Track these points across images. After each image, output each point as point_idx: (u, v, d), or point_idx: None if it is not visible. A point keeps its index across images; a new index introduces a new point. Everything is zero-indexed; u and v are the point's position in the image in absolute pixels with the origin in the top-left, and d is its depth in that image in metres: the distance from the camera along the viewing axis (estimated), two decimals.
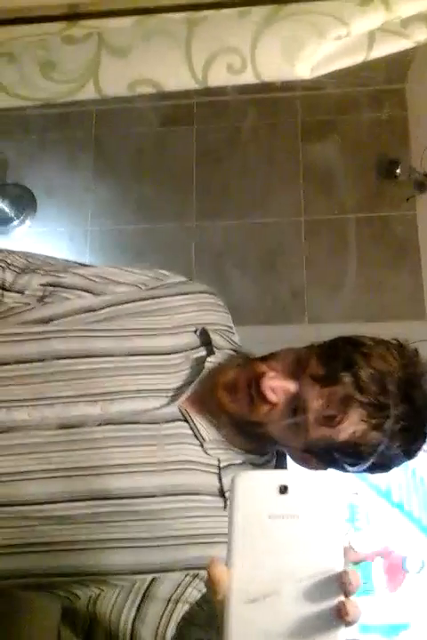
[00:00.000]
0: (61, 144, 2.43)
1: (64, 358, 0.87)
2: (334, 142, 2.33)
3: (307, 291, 2.21)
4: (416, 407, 0.80)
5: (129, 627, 0.80)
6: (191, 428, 0.86)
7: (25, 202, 2.39)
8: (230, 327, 1.02)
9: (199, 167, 2.38)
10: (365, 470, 0.85)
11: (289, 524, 0.50)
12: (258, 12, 0.70)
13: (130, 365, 0.87)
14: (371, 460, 0.81)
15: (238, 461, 0.88)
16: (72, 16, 0.62)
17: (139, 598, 0.81)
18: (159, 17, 0.70)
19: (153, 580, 0.82)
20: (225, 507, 0.84)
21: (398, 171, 2.26)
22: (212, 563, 0.49)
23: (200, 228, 2.32)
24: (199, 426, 0.86)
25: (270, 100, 2.32)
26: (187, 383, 0.88)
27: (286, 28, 0.71)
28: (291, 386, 0.81)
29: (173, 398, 0.86)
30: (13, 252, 1.00)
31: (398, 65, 2.28)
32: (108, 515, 0.81)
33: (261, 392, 0.80)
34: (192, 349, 0.92)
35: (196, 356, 0.91)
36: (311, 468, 0.85)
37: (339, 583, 0.48)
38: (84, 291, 0.94)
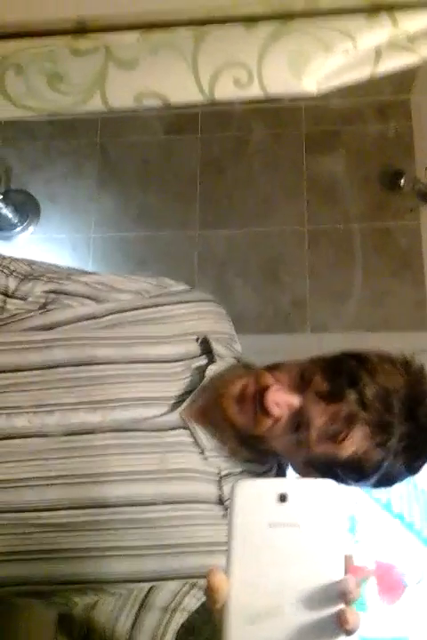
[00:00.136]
0: (66, 152, 2.44)
1: (65, 366, 0.87)
2: (339, 153, 2.33)
3: (309, 300, 2.20)
4: (421, 425, 0.79)
5: (126, 635, 0.79)
6: (192, 437, 0.86)
7: (28, 208, 2.39)
8: (232, 336, 1.02)
9: (203, 176, 2.38)
10: (367, 485, 0.85)
11: (289, 533, 0.49)
12: (265, 26, 0.70)
13: (131, 373, 0.87)
14: (374, 477, 0.81)
15: (239, 470, 0.88)
16: (80, 31, 0.62)
17: (136, 607, 0.80)
18: (166, 30, 0.71)
19: (151, 588, 0.81)
20: (225, 516, 0.84)
21: (402, 182, 2.26)
22: (211, 571, 0.49)
23: (203, 237, 2.32)
24: (200, 434, 0.86)
25: (275, 111, 2.32)
26: (188, 391, 0.88)
27: (293, 42, 0.71)
28: (295, 400, 0.81)
29: (174, 406, 0.86)
30: (17, 259, 1.00)
31: (403, 76, 2.28)
32: (108, 522, 0.81)
33: (265, 406, 0.80)
34: (193, 358, 0.92)
35: (197, 364, 0.91)
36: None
37: (339, 592, 0.48)
38: (87, 298, 0.94)
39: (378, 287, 2.21)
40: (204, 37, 0.72)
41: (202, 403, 0.87)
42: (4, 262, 0.98)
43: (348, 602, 0.48)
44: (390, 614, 1.61)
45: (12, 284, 0.95)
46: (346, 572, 0.49)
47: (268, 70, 0.72)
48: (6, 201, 2.32)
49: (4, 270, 0.97)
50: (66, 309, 0.92)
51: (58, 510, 0.81)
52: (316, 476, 0.84)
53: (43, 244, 2.37)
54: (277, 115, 2.34)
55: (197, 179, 2.38)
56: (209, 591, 0.49)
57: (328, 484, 0.51)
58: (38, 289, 0.94)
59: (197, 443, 0.86)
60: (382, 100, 2.34)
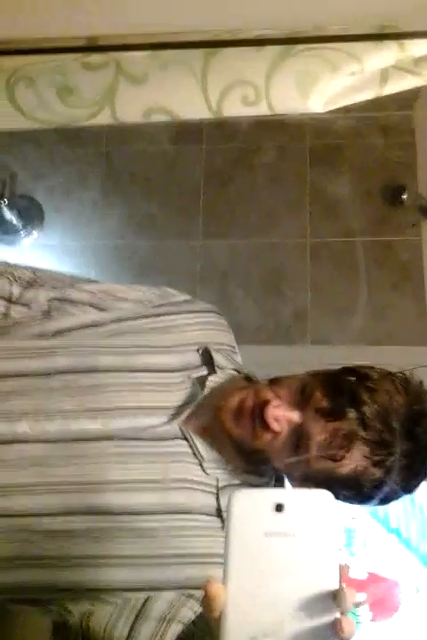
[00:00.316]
0: (71, 159, 2.44)
1: (67, 373, 0.87)
2: (342, 167, 2.34)
3: (310, 313, 2.21)
4: (419, 445, 0.80)
5: None
6: (190, 447, 0.86)
7: (32, 214, 2.39)
8: (233, 347, 1.02)
9: (207, 187, 2.39)
10: (363, 503, 0.85)
11: (285, 542, 0.50)
12: (274, 46, 0.71)
13: (132, 382, 0.88)
14: (371, 495, 0.82)
15: (237, 482, 0.88)
16: (91, 48, 0.63)
17: (132, 617, 0.80)
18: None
19: (148, 598, 0.81)
20: (222, 527, 0.84)
21: (404, 196, 2.26)
22: (208, 580, 0.49)
23: (206, 248, 2.32)
24: (199, 445, 0.86)
25: (279, 124, 2.32)
26: (188, 402, 0.88)
27: (301, 62, 0.72)
28: (295, 416, 0.81)
29: (174, 416, 0.87)
30: (21, 266, 1.01)
31: (407, 92, 2.28)
32: (105, 531, 0.81)
33: (265, 421, 0.80)
34: (194, 368, 0.92)
35: (197, 375, 0.91)
36: None
37: (334, 600, 0.48)
38: (90, 306, 0.94)
39: (379, 301, 2.21)
40: (214, 55, 0.73)
41: (201, 414, 0.87)
42: (9, 269, 0.99)
43: (343, 610, 0.48)
44: (385, 629, 1.60)
45: (15, 290, 0.96)
46: (341, 582, 0.49)
47: (275, 89, 0.73)
48: (10, 206, 2.33)
49: (9, 277, 0.97)
50: (69, 317, 0.93)
51: (55, 516, 0.81)
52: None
53: (46, 250, 2.37)
54: (281, 128, 2.35)
55: (200, 189, 2.39)
56: (206, 600, 0.49)
57: (324, 494, 0.51)
58: (42, 296, 0.95)
59: (195, 453, 0.86)
60: (385, 115, 2.35)
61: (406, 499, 0.85)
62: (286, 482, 0.91)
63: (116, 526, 0.81)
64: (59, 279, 0.99)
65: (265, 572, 0.49)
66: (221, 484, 0.86)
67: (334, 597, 0.48)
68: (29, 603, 0.87)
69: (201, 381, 0.90)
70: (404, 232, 2.28)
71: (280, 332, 2.21)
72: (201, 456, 0.86)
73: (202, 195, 2.38)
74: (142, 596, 0.81)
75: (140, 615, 0.80)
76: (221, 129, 2.40)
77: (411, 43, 0.69)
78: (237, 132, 2.39)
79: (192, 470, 0.85)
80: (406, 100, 2.34)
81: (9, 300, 0.95)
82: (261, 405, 0.82)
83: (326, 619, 0.48)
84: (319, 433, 0.79)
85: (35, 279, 0.98)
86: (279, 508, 0.50)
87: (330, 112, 0.77)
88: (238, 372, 0.95)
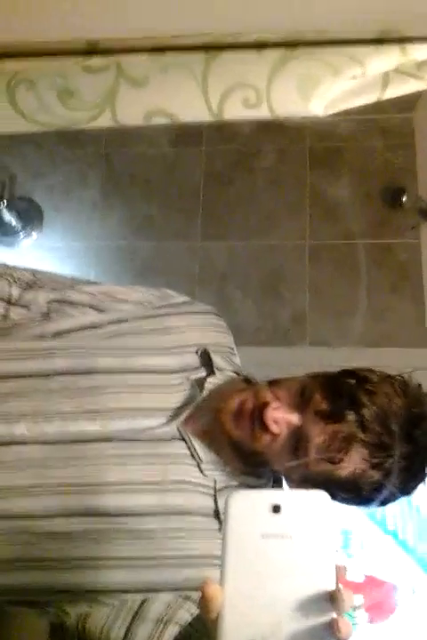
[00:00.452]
0: (71, 160, 2.44)
1: (66, 374, 0.87)
2: (342, 169, 2.34)
3: (309, 315, 2.21)
4: (418, 447, 0.80)
5: None
6: (189, 449, 0.86)
7: (32, 215, 2.40)
8: (232, 348, 1.02)
9: (206, 188, 2.39)
10: (361, 505, 0.85)
11: (282, 544, 0.50)
12: (275, 49, 0.71)
13: (131, 383, 0.88)
14: (369, 497, 0.82)
15: (235, 483, 0.88)
16: (91, 51, 0.63)
17: (129, 618, 0.80)
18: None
19: (144, 599, 0.81)
20: (220, 529, 0.84)
21: (404, 199, 2.26)
22: (206, 582, 0.49)
23: (205, 249, 2.33)
24: (197, 446, 0.86)
25: (279, 126, 2.32)
26: (186, 403, 0.88)
27: (302, 65, 0.72)
28: (294, 418, 0.81)
29: (173, 418, 0.87)
30: (20, 268, 1.01)
31: (407, 95, 2.29)
32: (104, 532, 0.81)
33: (264, 422, 0.80)
34: (193, 370, 0.92)
35: (196, 376, 0.92)
36: None
37: (331, 601, 0.48)
38: (90, 308, 0.94)
39: (378, 303, 2.21)
40: (214, 57, 0.73)
41: (201, 416, 0.88)
42: (8, 271, 0.99)
43: (340, 611, 0.48)
44: (381, 631, 1.61)
45: (15, 292, 0.96)
46: (338, 583, 0.49)
47: (276, 92, 0.73)
48: (10, 208, 2.32)
49: (8, 278, 0.97)
50: (68, 319, 0.93)
51: (54, 518, 0.81)
52: None
53: (45, 251, 2.37)
54: (281, 130, 2.35)
55: (200, 191, 2.39)
56: (203, 601, 0.49)
57: (321, 495, 0.51)
58: (41, 298, 0.95)
59: (193, 455, 0.86)
60: (385, 118, 2.35)
61: (403, 500, 0.85)
62: (284, 483, 0.91)
63: (113, 528, 0.81)
64: (58, 281, 0.99)
65: (262, 574, 0.49)
66: (218, 486, 0.86)
67: (331, 598, 0.48)
68: (27, 604, 0.87)
69: (200, 383, 0.90)
70: (403, 234, 2.28)
71: (279, 333, 2.21)
72: (199, 457, 0.86)
73: (201, 196, 2.38)
74: (140, 597, 0.81)
75: (136, 616, 0.80)
76: (221, 131, 2.40)
77: (413, 47, 0.69)
78: (237, 135, 2.39)
79: (190, 472, 0.85)
80: (407, 102, 2.35)
81: (8, 301, 0.95)
82: (261, 407, 0.82)
83: (323, 620, 0.48)
84: (318, 435, 0.79)
85: (34, 281, 0.98)
86: (276, 509, 0.50)
87: (330, 115, 0.77)
88: (237, 373, 0.95)
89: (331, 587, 0.49)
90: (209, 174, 2.41)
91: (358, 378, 0.83)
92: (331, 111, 0.74)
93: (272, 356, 2.08)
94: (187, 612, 0.81)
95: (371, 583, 1.63)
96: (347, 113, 0.78)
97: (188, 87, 0.74)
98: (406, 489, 0.83)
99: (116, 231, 2.37)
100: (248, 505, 0.51)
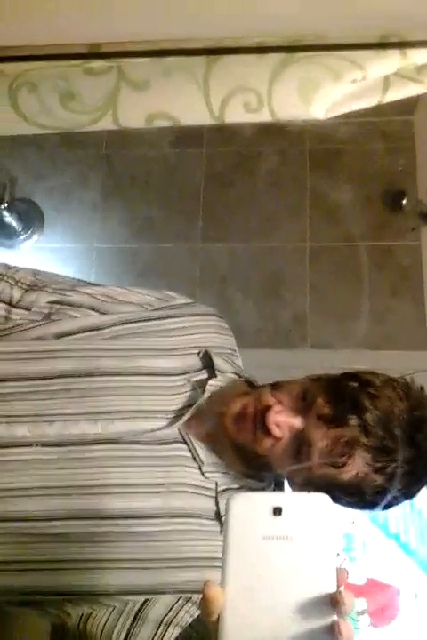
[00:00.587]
0: (71, 162, 2.45)
1: (67, 376, 0.87)
2: (342, 172, 2.34)
3: (310, 317, 2.21)
4: (421, 451, 0.80)
5: None
6: (190, 451, 0.86)
7: (33, 217, 2.40)
8: (234, 350, 1.02)
9: (207, 190, 2.39)
10: (364, 508, 0.85)
11: (283, 546, 0.50)
12: (276, 53, 0.71)
13: (132, 385, 0.88)
14: (372, 501, 0.82)
15: (236, 486, 0.88)
16: (93, 54, 0.63)
17: (130, 620, 0.80)
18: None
19: (145, 601, 0.81)
20: (221, 531, 0.83)
21: (404, 201, 2.27)
22: (206, 583, 0.49)
23: (205, 251, 2.33)
24: (198, 449, 0.86)
25: (279, 129, 2.32)
26: (188, 405, 0.88)
27: (303, 69, 0.72)
28: (297, 422, 0.81)
29: (174, 420, 0.87)
30: (21, 269, 1.00)
31: (407, 98, 2.29)
32: (105, 534, 0.81)
33: (266, 426, 0.80)
34: (195, 372, 0.92)
35: (197, 378, 0.92)
36: None
37: (332, 603, 0.48)
38: (91, 309, 0.94)
39: (378, 305, 2.21)
40: (216, 61, 0.73)
41: (203, 419, 0.87)
42: (9, 272, 0.99)
43: (341, 613, 0.48)
44: (384, 635, 1.60)
45: (16, 293, 0.96)
46: (339, 585, 0.49)
47: (277, 96, 0.73)
48: (10, 210, 2.33)
49: (9, 280, 0.97)
50: (70, 320, 0.92)
51: (55, 520, 0.81)
52: None
53: (46, 253, 2.37)
54: (281, 133, 2.35)
55: (200, 193, 2.39)
56: (204, 602, 0.49)
57: (322, 497, 0.51)
58: (43, 299, 0.95)
59: (194, 457, 0.86)
60: (385, 121, 2.36)
61: (405, 503, 0.85)
62: (286, 486, 0.91)
63: (114, 530, 0.81)
64: (60, 282, 0.99)
65: (263, 576, 0.49)
66: (220, 488, 0.86)
67: (332, 601, 0.48)
68: (28, 605, 0.87)
69: (201, 385, 0.90)
70: (403, 237, 2.28)
71: (280, 335, 2.21)
72: (200, 460, 0.86)
73: (202, 198, 2.38)
74: (141, 599, 0.81)
75: (137, 618, 0.80)
76: (222, 133, 2.40)
77: (413, 51, 0.70)
78: (238, 137, 2.39)
79: (191, 474, 0.85)
80: (407, 105, 2.35)
81: (10, 303, 0.95)
82: (263, 411, 0.82)
83: (324, 622, 0.48)
84: (321, 439, 0.79)
85: (35, 282, 0.98)
86: (277, 511, 0.50)
87: (331, 118, 0.78)
88: (239, 375, 0.95)
89: (332, 589, 0.49)
90: (210, 176, 2.41)
91: (361, 381, 0.82)
92: (332, 114, 0.75)
93: (273, 357, 2.07)
94: (188, 614, 0.81)
95: (373, 586, 1.63)
96: (347, 116, 0.79)
97: (189, 91, 0.75)
98: (410, 492, 0.83)
99: (117, 233, 2.38)
100: (249, 507, 0.51)
